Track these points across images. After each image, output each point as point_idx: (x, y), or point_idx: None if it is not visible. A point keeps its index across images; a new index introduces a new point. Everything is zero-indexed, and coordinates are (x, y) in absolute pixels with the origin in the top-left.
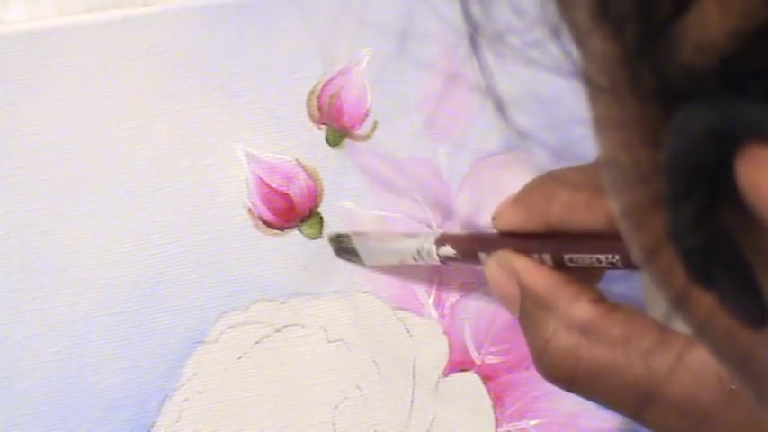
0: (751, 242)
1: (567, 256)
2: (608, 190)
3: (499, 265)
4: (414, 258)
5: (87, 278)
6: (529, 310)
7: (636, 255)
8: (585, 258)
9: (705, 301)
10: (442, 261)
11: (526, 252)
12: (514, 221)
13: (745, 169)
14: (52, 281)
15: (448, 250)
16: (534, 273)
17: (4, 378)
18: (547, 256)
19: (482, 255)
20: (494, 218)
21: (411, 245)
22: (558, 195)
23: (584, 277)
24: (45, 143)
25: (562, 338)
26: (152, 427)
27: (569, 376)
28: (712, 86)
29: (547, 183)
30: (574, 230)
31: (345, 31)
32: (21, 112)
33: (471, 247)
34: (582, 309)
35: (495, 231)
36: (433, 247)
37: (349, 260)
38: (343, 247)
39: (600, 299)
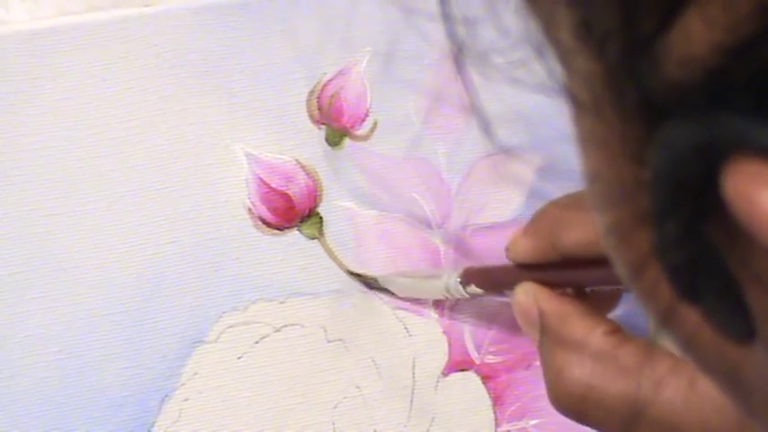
0: (737, 257)
1: (588, 289)
2: (593, 206)
3: (524, 294)
4: (444, 296)
5: (87, 278)
6: (546, 340)
7: (621, 271)
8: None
9: (691, 316)
10: (471, 297)
11: (545, 284)
12: (525, 251)
13: (731, 183)
14: (52, 281)
15: (474, 289)
16: (553, 302)
17: (5, 378)
18: (569, 288)
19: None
20: (507, 249)
21: (437, 284)
22: (558, 218)
23: (605, 298)
24: (45, 143)
25: (575, 369)
26: (152, 426)
27: (580, 407)
28: (697, 101)
29: (549, 209)
30: (580, 252)
31: (347, 30)
32: (21, 112)
33: (495, 282)
34: (596, 339)
35: (510, 263)
36: (460, 287)
37: (382, 293)
38: (376, 287)
39: (615, 330)
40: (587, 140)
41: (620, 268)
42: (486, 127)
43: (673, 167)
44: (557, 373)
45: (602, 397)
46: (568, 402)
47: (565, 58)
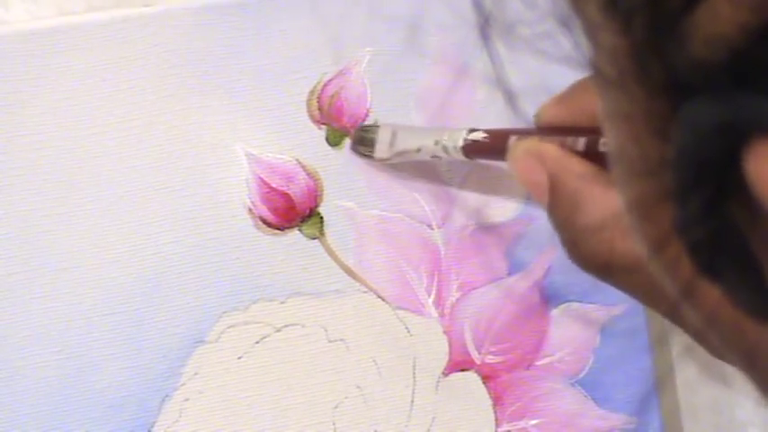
0: (758, 235)
1: (602, 140)
2: (616, 182)
3: (527, 152)
4: (436, 143)
5: (87, 278)
6: (559, 200)
7: (643, 247)
8: None
9: (712, 293)
10: (466, 153)
11: (560, 139)
12: (557, 119)
13: (753, 163)
14: (52, 281)
15: (478, 134)
16: (566, 161)
17: (5, 378)
18: (581, 142)
19: (512, 139)
20: (536, 115)
21: (438, 133)
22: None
23: None
24: (45, 143)
25: (596, 229)
26: (152, 426)
27: (604, 266)
28: (721, 80)
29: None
30: None
31: (347, 30)
32: (21, 112)
33: (503, 133)
34: (615, 199)
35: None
36: (463, 132)
37: (361, 154)
38: (363, 138)
39: None
40: (612, 115)
41: (642, 243)
42: (511, 99)
43: (696, 146)
44: (577, 234)
45: (625, 260)
46: (593, 262)
47: (591, 32)
